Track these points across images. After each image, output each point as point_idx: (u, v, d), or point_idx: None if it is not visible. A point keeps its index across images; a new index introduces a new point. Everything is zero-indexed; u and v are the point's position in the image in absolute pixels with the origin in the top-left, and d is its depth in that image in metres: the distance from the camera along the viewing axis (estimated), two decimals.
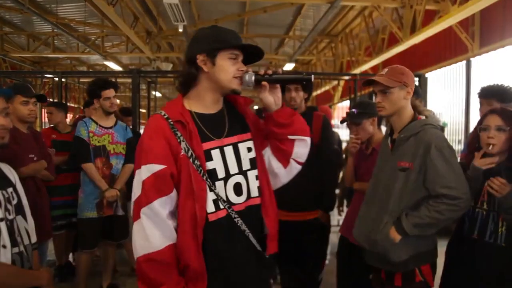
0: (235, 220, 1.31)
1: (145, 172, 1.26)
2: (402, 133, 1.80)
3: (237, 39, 1.36)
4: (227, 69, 1.32)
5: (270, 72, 1.36)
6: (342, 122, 2.75)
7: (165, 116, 1.32)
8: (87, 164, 2.96)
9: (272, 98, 1.38)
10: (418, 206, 1.75)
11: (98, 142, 3.02)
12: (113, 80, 5.11)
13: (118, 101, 3.64)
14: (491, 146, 1.78)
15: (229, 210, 1.31)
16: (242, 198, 1.36)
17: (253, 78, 1.34)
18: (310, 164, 2.56)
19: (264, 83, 1.35)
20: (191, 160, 1.28)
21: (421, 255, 1.79)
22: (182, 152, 1.28)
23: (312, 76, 1.43)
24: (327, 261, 3.28)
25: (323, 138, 2.64)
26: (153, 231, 1.24)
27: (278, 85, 1.39)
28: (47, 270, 1.56)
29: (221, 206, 1.31)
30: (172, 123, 1.30)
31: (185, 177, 1.28)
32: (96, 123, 3.05)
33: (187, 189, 1.27)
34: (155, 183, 1.25)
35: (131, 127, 3.82)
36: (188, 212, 1.26)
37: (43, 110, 7.12)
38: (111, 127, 3.10)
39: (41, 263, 2.69)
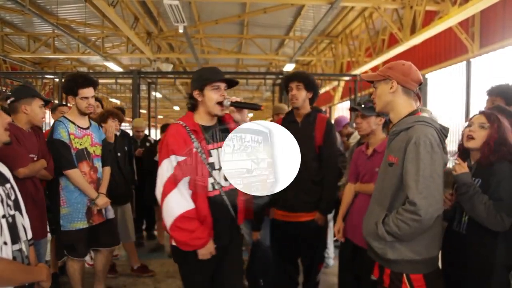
0: (223, 197, 1.97)
1: (174, 160, 1.86)
2: (394, 127, 1.76)
3: (217, 75, 1.95)
4: (211, 97, 1.94)
5: (233, 100, 1.96)
6: (352, 110, 2.74)
7: (184, 125, 1.95)
8: (72, 170, 2.64)
9: (240, 116, 2.04)
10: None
11: (80, 144, 2.71)
12: (114, 80, 5.12)
13: (118, 103, 3.56)
14: (469, 140, 1.90)
15: (221, 190, 1.96)
16: (228, 183, 1.97)
17: (228, 103, 1.97)
18: (309, 166, 2.61)
19: (231, 108, 2.01)
20: (200, 155, 1.92)
21: (413, 262, 1.67)
22: (194, 149, 1.91)
23: (261, 106, 2.05)
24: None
25: (325, 141, 2.65)
26: (184, 196, 1.86)
27: (244, 109, 2.03)
28: (44, 266, 1.57)
29: (216, 187, 1.96)
30: (189, 129, 1.93)
31: (195, 166, 1.91)
32: (74, 123, 2.72)
33: (196, 173, 1.90)
34: (181, 167, 1.87)
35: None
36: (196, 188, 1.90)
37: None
38: (88, 128, 2.81)
39: (40, 261, 2.68)
